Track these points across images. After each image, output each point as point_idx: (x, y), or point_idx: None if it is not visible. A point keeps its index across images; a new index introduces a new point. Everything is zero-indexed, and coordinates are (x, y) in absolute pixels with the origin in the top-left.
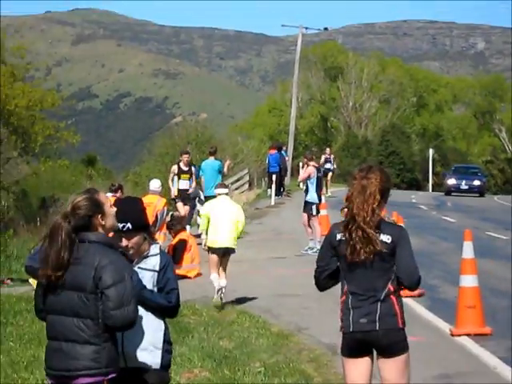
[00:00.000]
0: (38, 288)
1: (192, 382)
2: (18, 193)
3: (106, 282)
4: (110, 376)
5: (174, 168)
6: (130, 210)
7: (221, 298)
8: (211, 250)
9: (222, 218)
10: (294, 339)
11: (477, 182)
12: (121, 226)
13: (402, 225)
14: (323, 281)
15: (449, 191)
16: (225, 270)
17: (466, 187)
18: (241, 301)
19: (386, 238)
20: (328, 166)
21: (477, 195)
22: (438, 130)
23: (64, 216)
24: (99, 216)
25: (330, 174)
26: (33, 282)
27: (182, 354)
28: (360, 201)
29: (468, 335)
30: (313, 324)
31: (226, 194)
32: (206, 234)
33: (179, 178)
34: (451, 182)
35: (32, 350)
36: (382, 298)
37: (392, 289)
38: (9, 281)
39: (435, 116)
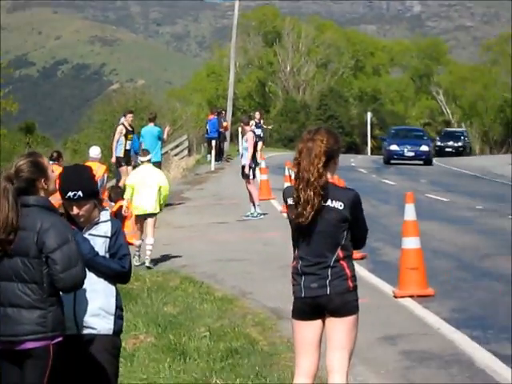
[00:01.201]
0: None
1: (137, 347)
2: None
3: (51, 246)
4: (55, 340)
5: (121, 129)
6: (80, 177)
7: (148, 256)
8: (135, 216)
9: (144, 184)
10: (238, 304)
11: (424, 148)
12: (71, 194)
13: (353, 188)
14: None
15: (389, 158)
16: (152, 229)
17: (411, 154)
18: (184, 266)
19: (338, 204)
20: (258, 132)
21: (422, 163)
22: (375, 93)
23: (8, 178)
24: (42, 180)
25: (261, 143)
26: None
27: (126, 320)
28: (306, 162)
29: (411, 297)
30: (257, 288)
31: (149, 160)
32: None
33: (126, 139)
34: (393, 148)
35: None
36: (331, 264)
37: (342, 255)
38: None
39: (373, 79)
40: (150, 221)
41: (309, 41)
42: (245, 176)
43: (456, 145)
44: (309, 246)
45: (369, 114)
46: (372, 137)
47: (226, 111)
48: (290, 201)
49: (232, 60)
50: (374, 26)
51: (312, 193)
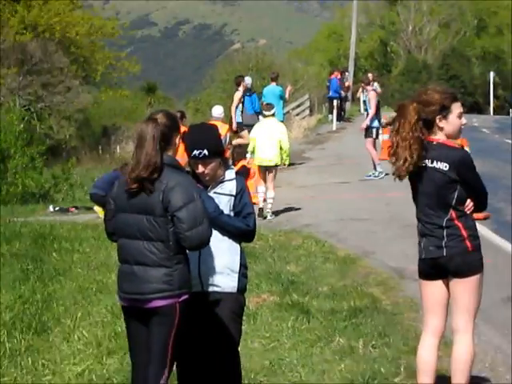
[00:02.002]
0: (107, 212)
1: (261, 306)
2: (79, 122)
3: (177, 204)
4: (182, 298)
5: (240, 95)
6: (206, 136)
7: (269, 209)
8: (258, 167)
9: (264, 137)
10: (361, 263)
11: None
12: (197, 152)
13: (463, 149)
14: None
15: None
16: (272, 183)
17: None
18: (306, 226)
19: (442, 165)
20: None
21: None
22: (498, 52)
23: (156, 123)
24: (177, 136)
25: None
26: (97, 209)
27: (249, 279)
28: (402, 121)
29: None
30: (379, 248)
31: (273, 114)
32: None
33: (243, 105)
34: None
35: (100, 276)
36: (444, 224)
37: (455, 215)
38: (74, 209)
39: (496, 39)
40: (270, 174)
41: (431, 0)
42: (367, 135)
43: None
44: (423, 207)
45: (491, 74)
46: (495, 97)
47: (347, 71)
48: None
49: (354, 20)
50: None
51: (409, 152)
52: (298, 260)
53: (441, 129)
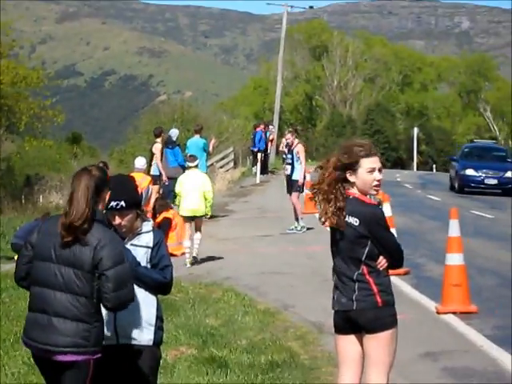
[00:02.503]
0: (22, 256)
1: (178, 359)
2: (2, 170)
3: (107, 264)
4: (95, 356)
5: (159, 146)
6: (124, 187)
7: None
8: (183, 218)
9: (189, 188)
10: (280, 317)
11: (509, 174)
12: (114, 203)
13: (375, 205)
14: None
15: (463, 186)
16: (199, 229)
17: (494, 181)
18: (227, 279)
19: (353, 220)
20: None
21: (501, 192)
22: (422, 108)
23: (91, 176)
24: (106, 190)
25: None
26: None
27: (168, 331)
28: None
29: (454, 313)
30: (299, 302)
31: (196, 166)
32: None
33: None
34: (469, 172)
35: (18, 327)
36: (355, 278)
37: (366, 270)
38: None
39: (420, 95)
40: (198, 223)
41: (356, 55)
42: (294, 190)
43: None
44: (337, 260)
45: (415, 130)
46: (418, 152)
47: (272, 124)
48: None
49: (279, 73)
50: (422, 42)
51: (332, 204)
52: (218, 313)
53: (352, 183)
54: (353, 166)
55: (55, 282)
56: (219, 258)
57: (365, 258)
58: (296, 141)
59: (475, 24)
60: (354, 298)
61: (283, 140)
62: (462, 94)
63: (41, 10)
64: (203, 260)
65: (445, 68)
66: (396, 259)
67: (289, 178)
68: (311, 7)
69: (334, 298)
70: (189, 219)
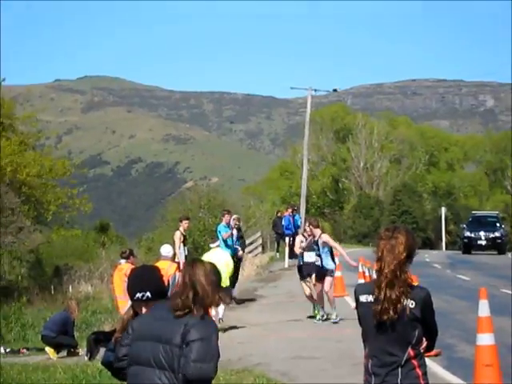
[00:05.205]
0: (123, 338)
1: None
2: (31, 262)
3: (193, 336)
4: None
5: (179, 235)
6: (149, 278)
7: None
8: None
9: (217, 263)
10: None
11: (496, 234)
12: (140, 295)
13: (425, 287)
14: None
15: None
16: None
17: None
18: (258, 365)
19: (409, 302)
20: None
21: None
22: (449, 188)
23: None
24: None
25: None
26: (49, 350)
27: None
28: (390, 259)
29: None
30: None
31: (217, 245)
32: None
33: (184, 245)
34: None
35: None
36: (402, 363)
37: (412, 353)
38: (25, 350)
39: (446, 174)
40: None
41: (381, 136)
42: (329, 275)
43: (491, 236)
44: (380, 345)
45: (443, 209)
46: (446, 232)
47: (299, 208)
48: (365, 298)
49: (305, 157)
50: (447, 121)
51: (398, 291)
52: None
53: None
54: (415, 251)
55: (146, 358)
56: (249, 344)
57: (415, 340)
58: (317, 230)
59: (499, 102)
60: (398, 382)
61: (300, 237)
62: (488, 172)
63: (66, 101)
64: (234, 346)
65: (470, 147)
66: (434, 342)
67: (319, 267)
68: (335, 90)
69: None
70: None
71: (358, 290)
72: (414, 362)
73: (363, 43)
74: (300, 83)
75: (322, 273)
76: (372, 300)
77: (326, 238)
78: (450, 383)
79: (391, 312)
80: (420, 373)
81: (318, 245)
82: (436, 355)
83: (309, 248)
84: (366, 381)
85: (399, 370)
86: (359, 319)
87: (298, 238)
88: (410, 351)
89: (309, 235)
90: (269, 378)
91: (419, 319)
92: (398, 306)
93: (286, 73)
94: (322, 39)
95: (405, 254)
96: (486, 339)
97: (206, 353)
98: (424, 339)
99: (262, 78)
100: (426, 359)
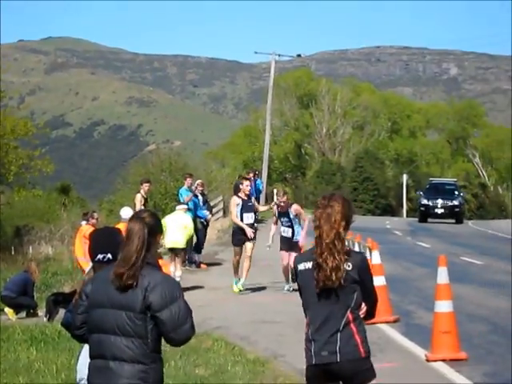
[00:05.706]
0: (78, 306)
1: None
2: None
3: (158, 306)
4: None
5: (140, 197)
6: (110, 240)
7: None
8: (168, 249)
9: (171, 225)
10: (270, 366)
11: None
12: (101, 256)
13: (361, 252)
14: None
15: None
16: (180, 264)
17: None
18: (217, 328)
19: (346, 265)
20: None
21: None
22: (411, 155)
23: (144, 223)
24: (160, 235)
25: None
26: (8, 311)
27: None
28: (327, 228)
29: (443, 360)
30: (289, 351)
31: (181, 209)
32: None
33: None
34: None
35: (7, 379)
36: (340, 328)
37: (351, 317)
38: None
39: (409, 142)
40: (180, 255)
41: (345, 103)
42: (296, 251)
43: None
44: (320, 311)
45: (404, 176)
46: (408, 199)
47: (261, 173)
48: (303, 266)
49: (268, 122)
50: (410, 89)
51: (338, 258)
52: (208, 363)
53: None
54: (351, 218)
55: (109, 326)
56: (209, 308)
57: (353, 303)
58: (293, 205)
59: (463, 70)
60: (337, 349)
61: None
62: (450, 140)
63: (29, 61)
64: (194, 310)
65: (433, 115)
66: (374, 309)
67: (286, 239)
68: (299, 55)
69: (310, 351)
70: (171, 251)
71: (297, 260)
72: (353, 326)
73: (328, 9)
74: (264, 48)
75: (292, 244)
76: (310, 267)
77: (296, 208)
78: (408, 349)
79: (333, 278)
80: (359, 340)
81: (288, 215)
82: (394, 321)
83: (246, 209)
84: (306, 348)
85: (338, 335)
86: (299, 289)
87: (234, 201)
88: (349, 315)
89: (281, 206)
90: (228, 342)
91: (357, 281)
92: (339, 273)
93: (251, 37)
94: (287, 4)
95: (342, 223)
96: (444, 306)
97: (178, 318)
98: (363, 304)
99: (227, 42)
100: (385, 326)
